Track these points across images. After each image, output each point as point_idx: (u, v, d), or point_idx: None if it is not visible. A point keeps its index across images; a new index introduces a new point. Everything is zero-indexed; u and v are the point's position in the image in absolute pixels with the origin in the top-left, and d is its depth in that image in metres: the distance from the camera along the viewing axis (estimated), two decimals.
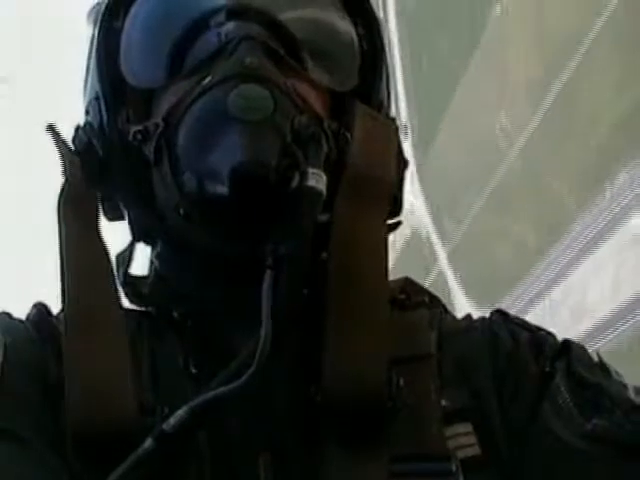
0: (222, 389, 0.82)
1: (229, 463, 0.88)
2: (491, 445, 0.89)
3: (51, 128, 0.95)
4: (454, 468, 0.86)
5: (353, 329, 0.88)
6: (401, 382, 0.88)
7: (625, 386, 0.91)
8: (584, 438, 0.87)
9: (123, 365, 0.88)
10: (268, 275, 0.84)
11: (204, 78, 0.89)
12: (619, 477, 0.86)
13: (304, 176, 0.85)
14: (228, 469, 0.88)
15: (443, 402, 0.90)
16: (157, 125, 0.91)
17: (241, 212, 0.87)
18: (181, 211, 0.91)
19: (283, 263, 0.84)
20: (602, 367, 0.94)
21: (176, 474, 0.86)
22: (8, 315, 0.97)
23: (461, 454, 0.88)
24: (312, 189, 0.85)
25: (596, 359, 0.95)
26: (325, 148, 0.89)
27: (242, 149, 0.84)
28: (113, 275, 0.94)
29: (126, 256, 1.00)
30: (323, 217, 0.90)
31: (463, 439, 0.89)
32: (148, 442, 0.81)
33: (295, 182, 0.86)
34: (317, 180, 0.86)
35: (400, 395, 0.87)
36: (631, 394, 0.90)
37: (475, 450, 0.89)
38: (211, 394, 0.82)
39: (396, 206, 0.98)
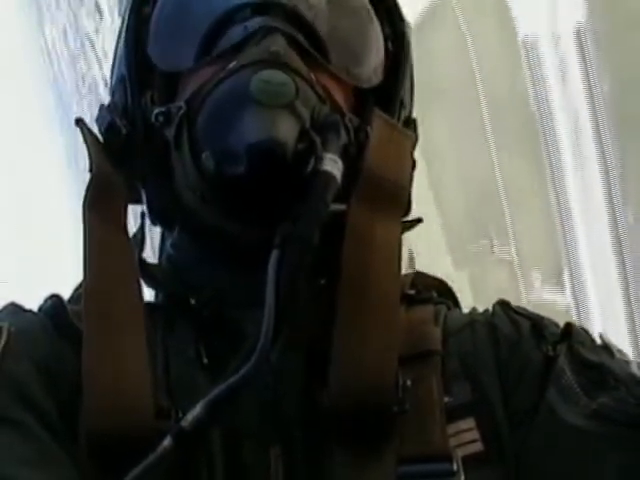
0: (233, 378, 0.81)
1: (240, 456, 0.88)
2: (494, 439, 0.90)
3: (79, 121, 0.96)
4: (455, 468, 0.86)
5: (362, 333, 0.88)
6: (408, 383, 0.88)
7: (628, 363, 0.91)
8: (590, 418, 0.86)
9: (142, 367, 0.87)
10: (274, 254, 0.83)
11: (229, 64, 0.91)
12: (625, 453, 0.85)
13: (319, 160, 0.86)
14: (239, 462, 0.88)
15: (446, 399, 0.90)
16: (180, 108, 0.92)
17: (256, 191, 0.87)
18: (197, 191, 0.91)
19: (291, 243, 0.84)
20: (605, 347, 0.94)
21: (188, 467, 0.86)
22: (18, 306, 0.97)
23: (463, 451, 0.88)
24: (326, 173, 0.86)
25: (599, 340, 0.95)
26: (344, 138, 0.90)
27: (261, 129, 0.85)
28: (137, 273, 0.94)
29: (138, 239, 0.99)
30: (340, 207, 0.90)
31: (466, 435, 0.89)
32: (167, 441, 0.80)
33: (311, 166, 0.86)
34: (332, 165, 0.86)
35: (406, 398, 0.87)
36: (634, 369, 0.89)
37: (477, 446, 0.89)
38: (224, 385, 0.81)
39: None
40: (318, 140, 0.87)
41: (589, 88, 5.28)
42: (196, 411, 0.81)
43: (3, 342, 0.89)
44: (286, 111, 0.86)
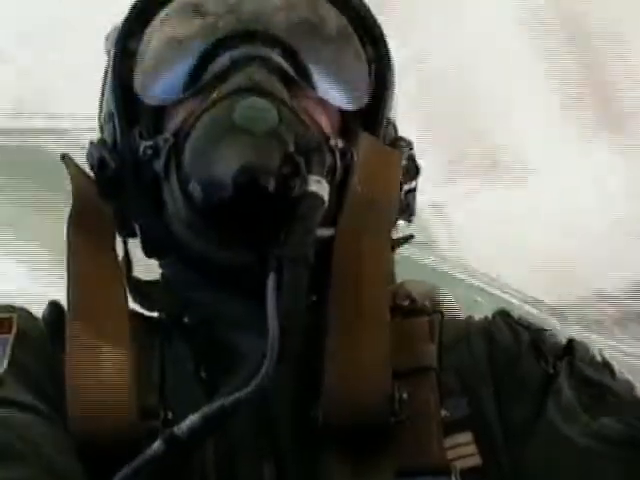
0: (238, 395, 0.79)
1: (233, 471, 0.88)
2: (491, 453, 0.89)
3: (64, 156, 0.98)
4: None
5: (354, 346, 0.88)
6: (404, 396, 0.88)
7: (630, 384, 0.91)
8: (591, 437, 0.85)
9: (124, 372, 0.87)
10: (271, 278, 0.83)
11: (213, 94, 0.92)
12: (626, 473, 0.84)
13: (305, 182, 0.87)
14: (232, 477, 0.88)
15: (443, 413, 0.89)
16: (167, 140, 0.93)
17: (243, 218, 0.88)
18: (187, 222, 0.92)
19: (285, 266, 0.83)
20: (606, 366, 0.93)
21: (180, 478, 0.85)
22: (12, 306, 0.96)
23: (461, 465, 0.87)
24: (312, 194, 0.87)
25: (599, 358, 0.94)
26: (329, 159, 0.91)
27: (245, 156, 0.86)
28: (122, 283, 0.94)
29: (125, 260, 0.99)
30: (328, 232, 0.91)
31: (463, 449, 0.88)
32: (158, 444, 0.79)
33: (297, 189, 0.87)
34: (317, 186, 0.87)
35: (402, 411, 0.87)
36: (634, 388, 0.90)
37: (475, 460, 0.88)
38: (228, 400, 0.79)
39: (407, 213, 1.01)
40: (302, 163, 0.88)
41: None
42: (193, 420, 0.79)
43: (14, 333, 0.90)
44: (269, 137, 0.88)
